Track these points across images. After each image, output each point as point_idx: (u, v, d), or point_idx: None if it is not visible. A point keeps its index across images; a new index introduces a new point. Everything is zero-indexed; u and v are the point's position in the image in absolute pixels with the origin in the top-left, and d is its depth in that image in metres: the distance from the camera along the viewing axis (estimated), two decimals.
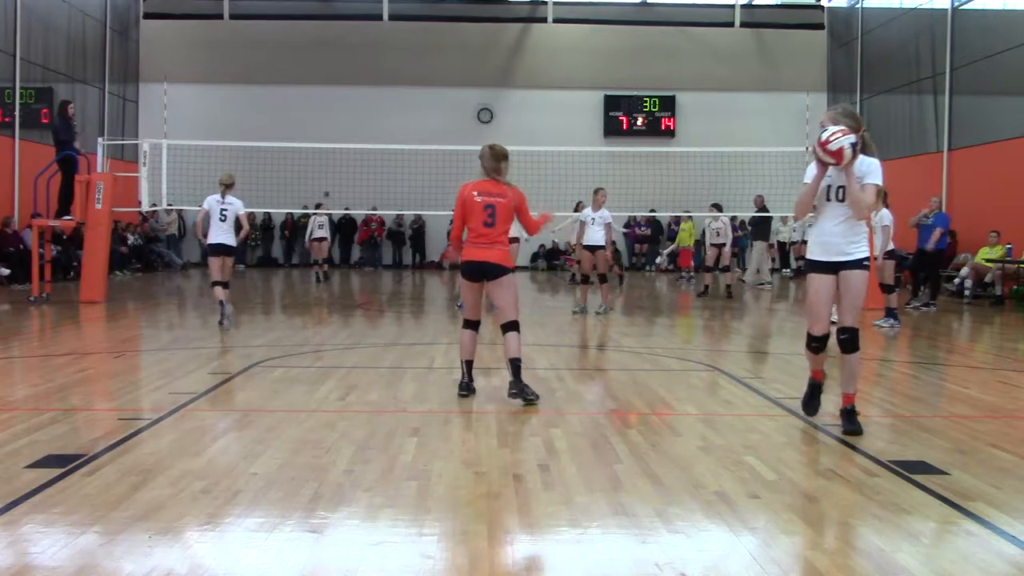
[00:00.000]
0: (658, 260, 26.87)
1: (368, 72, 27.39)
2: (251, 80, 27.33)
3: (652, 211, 24.84)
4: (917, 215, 15.71)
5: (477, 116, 27.93)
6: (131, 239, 24.07)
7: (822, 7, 28.57)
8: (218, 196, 11.60)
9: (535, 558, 3.69)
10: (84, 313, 13.49)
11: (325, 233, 21.67)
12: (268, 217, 27.69)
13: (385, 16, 28.05)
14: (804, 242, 25.50)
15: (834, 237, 5.77)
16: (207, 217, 11.62)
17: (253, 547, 3.71)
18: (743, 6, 28.48)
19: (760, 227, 19.78)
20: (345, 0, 28.33)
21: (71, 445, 5.31)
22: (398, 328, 12.81)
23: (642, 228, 27.88)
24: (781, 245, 26.84)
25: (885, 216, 12.70)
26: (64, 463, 4.83)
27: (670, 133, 27.92)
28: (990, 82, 19.79)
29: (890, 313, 12.58)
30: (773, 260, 26.58)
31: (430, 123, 26.36)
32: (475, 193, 6.82)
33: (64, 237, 19.41)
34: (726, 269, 18.07)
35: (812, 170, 5.86)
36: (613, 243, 15.02)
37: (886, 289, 12.73)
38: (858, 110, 26.09)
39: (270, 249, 28.45)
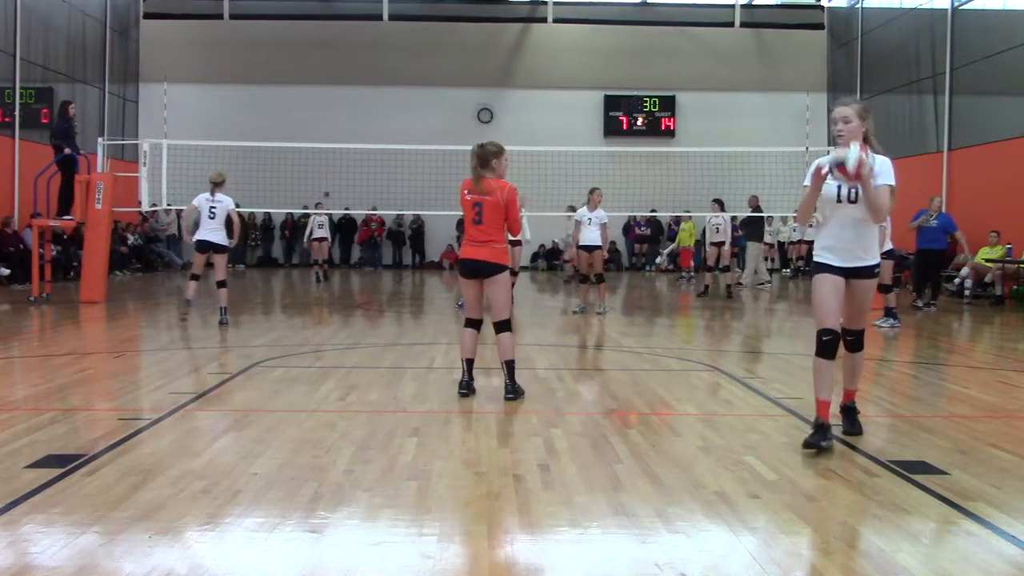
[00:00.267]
0: (658, 260, 26.87)
1: (368, 72, 27.39)
2: (251, 80, 27.33)
3: (652, 211, 24.84)
4: (918, 217, 15.69)
5: (477, 116, 27.93)
6: (131, 239, 24.08)
7: (822, 7, 28.58)
8: (208, 194, 11.70)
9: (535, 558, 3.69)
10: (84, 313, 13.49)
11: (325, 233, 21.68)
12: (268, 217, 27.70)
13: (385, 16, 28.05)
14: (802, 242, 25.59)
15: (844, 242, 5.42)
16: (194, 214, 11.74)
17: (253, 547, 3.71)
18: (743, 6, 28.48)
19: (753, 227, 19.76)
20: (345, 0, 28.33)
21: (71, 445, 5.31)
22: (398, 328, 12.81)
23: (642, 228, 27.89)
24: (781, 245, 26.85)
25: None
26: (64, 463, 4.83)
27: (670, 133, 27.92)
28: (990, 82, 19.79)
29: (889, 313, 12.59)
30: (772, 260, 26.60)
31: (430, 123, 26.36)
32: (466, 192, 6.90)
33: (65, 237, 19.41)
34: (726, 269, 18.07)
35: (805, 183, 5.55)
36: (612, 242, 15.04)
37: (884, 289, 12.73)
38: None
39: (270, 249, 28.45)
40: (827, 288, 5.46)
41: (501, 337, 6.88)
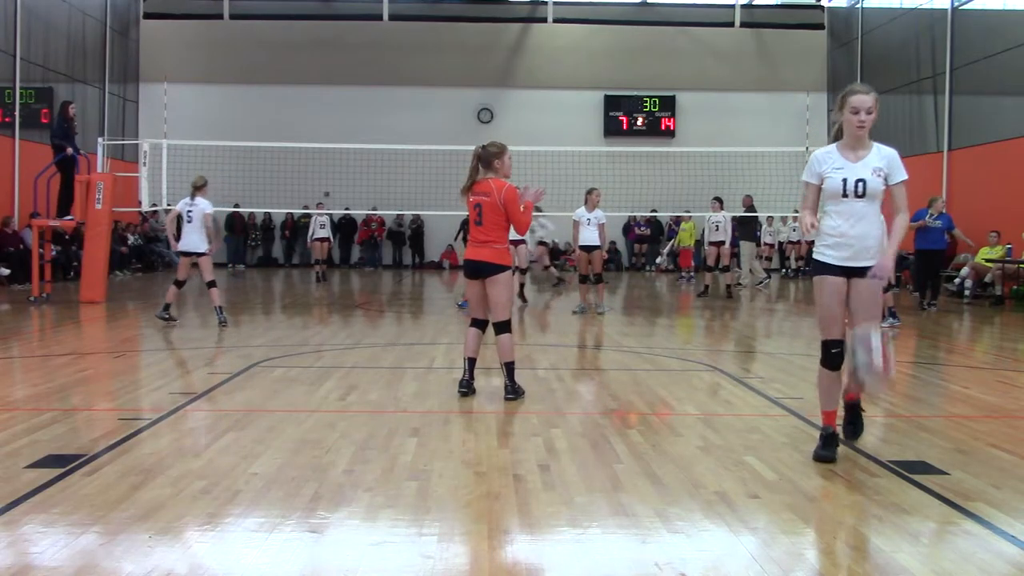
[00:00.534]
0: (658, 260, 26.86)
1: (368, 72, 27.39)
2: (251, 80, 27.33)
3: (653, 211, 24.85)
4: (918, 217, 15.68)
5: (477, 116, 27.93)
6: (131, 239, 24.07)
7: (822, 7, 28.58)
8: (188, 198, 11.76)
9: (535, 558, 3.69)
10: (84, 313, 13.49)
11: (326, 233, 21.72)
12: (268, 217, 27.70)
13: (385, 16, 28.05)
14: (801, 242, 25.57)
15: (849, 239, 5.08)
16: (176, 220, 11.87)
17: (253, 547, 3.71)
18: (743, 6, 28.48)
19: (746, 227, 19.76)
20: (345, 0, 28.33)
21: (71, 445, 5.31)
22: (398, 328, 12.81)
23: (642, 228, 27.89)
24: (780, 245, 26.84)
25: None
26: (64, 463, 4.83)
27: (670, 133, 27.92)
28: (990, 82, 19.79)
29: (890, 312, 12.59)
30: (770, 260, 26.59)
31: (430, 123, 26.37)
32: (470, 193, 6.87)
33: (66, 237, 19.42)
34: (726, 269, 18.06)
35: (812, 171, 5.23)
36: (612, 242, 15.03)
37: (883, 288, 12.72)
38: None
39: (270, 249, 28.46)
40: (829, 294, 5.16)
41: (501, 338, 6.88)
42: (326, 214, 21.60)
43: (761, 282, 20.17)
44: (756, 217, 20.47)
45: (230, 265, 27.61)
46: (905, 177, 5.08)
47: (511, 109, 27.68)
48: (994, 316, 15.02)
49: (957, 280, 17.98)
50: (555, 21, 28.27)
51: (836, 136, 5.28)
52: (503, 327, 6.86)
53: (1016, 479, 4.86)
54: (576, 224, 14.04)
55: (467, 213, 7.07)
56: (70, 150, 15.12)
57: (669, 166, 24.23)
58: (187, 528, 3.90)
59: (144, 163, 16.46)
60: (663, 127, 28.06)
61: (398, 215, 26.99)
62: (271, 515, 4.09)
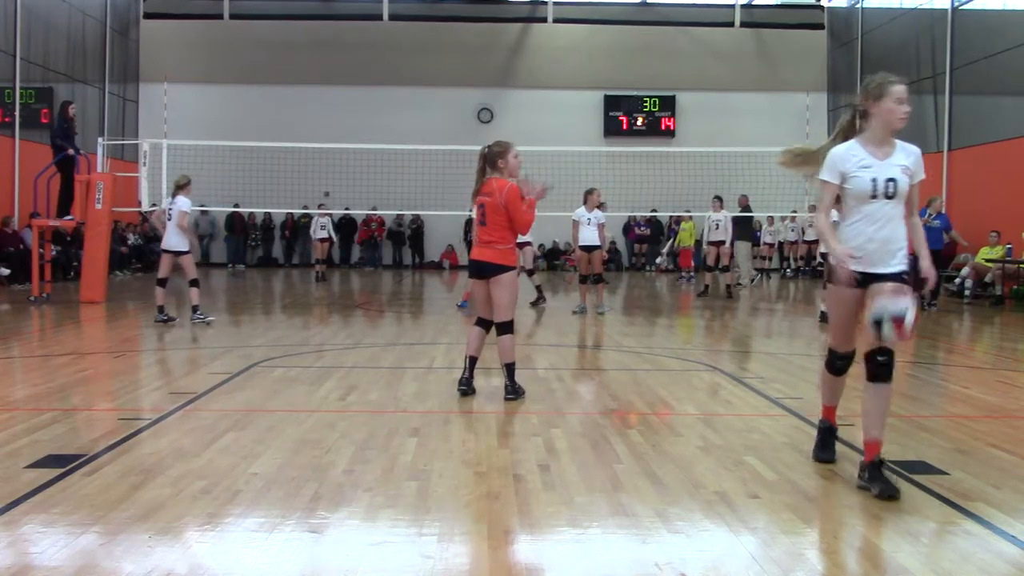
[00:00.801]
0: (658, 260, 26.87)
1: (368, 72, 27.40)
2: (251, 80, 27.34)
3: (653, 211, 24.84)
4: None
5: (477, 116, 27.93)
6: (131, 239, 24.08)
7: (822, 7, 28.58)
8: (170, 197, 11.89)
9: (535, 558, 3.69)
10: (84, 313, 13.49)
11: (327, 234, 21.75)
12: (268, 217, 27.70)
13: (385, 16, 28.06)
14: (800, 242, 25.58)
15: (875, 243, 4.59)
16: (164, 218, 12.01)
17: (253, 547, 3.71)
18: (743, 6, 28.49)
19: (742, 227, 19.76)
20: (345, 0, 28.33)
21: (71, 445, 5.31)
22: (398, 328, 12.81)
23: (642, 228, 27.88)
24: (780, 245, 26.84)
25: None
26: (64, 463, 4.83)
27: (670, 133, 27.93)
28: (990, 82, 19.79)
29: None
30: (769, 260, 26.60)
31: (430, 123, 26.37)
32: (477, 193, 6.87)
33: (68, 238, 19.43)
34: (726, 269, 18.05)
35: (834, 169, 4.69)
36: (612, 242, 15.01)
37: None
38: None
39: (270, 249, 28.46)
40: (846, 305, 4.74)
41: (502, 339, 6.86)
42: (327, 214, 21.61)
43: (752, 280, 20.13)
44: (752, 217, 20.47)
45: (230, 265, 27.61)
46: (924, 177, 4.81)
47: (511, 109, 27.68)
48: (994, 316, 15.02)
49: (957, 280, 17.97)
50: (555, 21, 28.27)
51: (848, 130, 4.85)
52: (505, 328, 6.85)
53: (1016, 479, 4.86)
54: (576, 224, 14.04)
55: (468, 214, 7.09)
56: (71, 150, 15.13)
57: (669, 166, 24.22)
58: (187, 528, 3.90)
59: (144, 163, 16.45)
60: (663, 127, 28.07)
61: (398, 215, 26.99)
62: (271, 515, 4.09)
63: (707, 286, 18.23)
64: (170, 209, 11.81)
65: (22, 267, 17.60)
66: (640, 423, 6.17)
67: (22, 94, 21.12)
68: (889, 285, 4.49)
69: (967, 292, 17.35)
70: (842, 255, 4.50)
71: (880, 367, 4.58)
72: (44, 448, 5.18)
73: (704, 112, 27.55)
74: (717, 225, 17.80)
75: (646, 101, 28.11)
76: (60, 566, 3.45)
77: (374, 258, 28.00)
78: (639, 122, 28.14)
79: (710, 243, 17.97)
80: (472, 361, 7.00)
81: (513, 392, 6.80)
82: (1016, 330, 13.27)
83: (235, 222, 27.44)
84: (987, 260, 17.37)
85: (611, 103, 28.06)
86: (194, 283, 11.85)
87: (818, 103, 26.26)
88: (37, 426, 5.75)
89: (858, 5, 26.76)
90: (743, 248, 19.92)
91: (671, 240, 25.06)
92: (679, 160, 24.33)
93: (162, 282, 11.87)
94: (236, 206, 23.65)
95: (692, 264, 23.60)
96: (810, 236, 24.69)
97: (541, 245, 27.73)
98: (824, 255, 12.83)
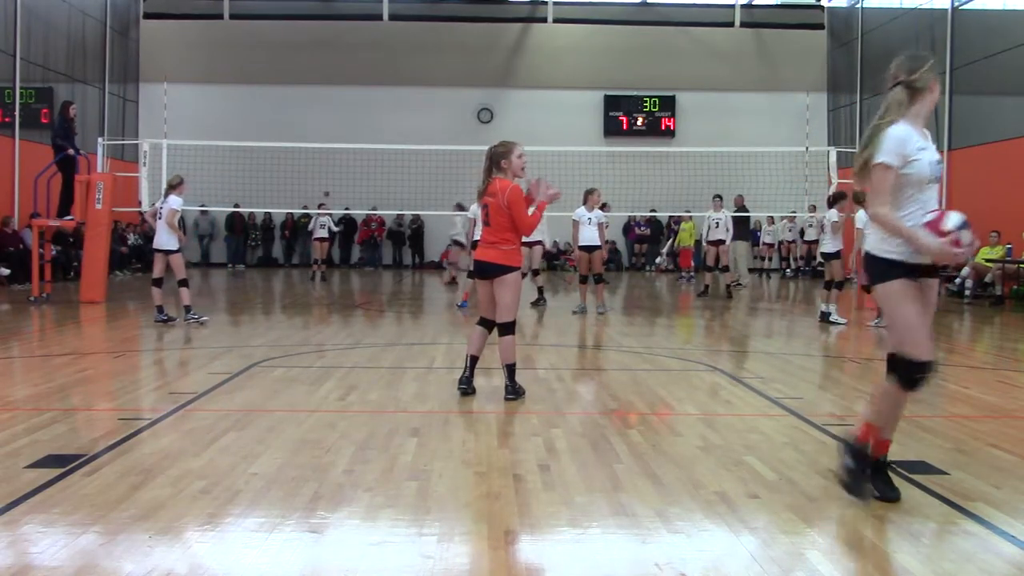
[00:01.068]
0: (658, 260, 26.88)
1: (368, 72, 27.40)
2: (251, 80, 27.34)
3: (652, 211, 24.84)
4: None
5: (477, 116, 27.94)
6: (131, 239, 24.08)
7: (822, 7, 28.58)
8: (163, 196, 11.94)
9: (535, 558, 3.69)
10: (84, 313, 13.49)
11: (326, 233, 21.77)
12: (268, 217, 27.71)
13: (385, 16, 28.06)
14: (797, 242, 25.58)
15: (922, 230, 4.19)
16: (153, 217, 12.11)
17: (253, 547, 3.71)
18: (743, 6, 28.49)
19: (740, 227, 19.77)
20: (345, 0, 28.33)
21: (71, 445, 5.31)
22: (398, 328, 12.81)
23: (642, 228, 27.89)
24: (780, 245, 26.85)
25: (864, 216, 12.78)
26: (64, 463, 4.83)
27: (670, 133, 27.94)
28: (990, 82, 19.79)
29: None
30: (769, 260, 26.61)
31: (430, 123, 26.38)
32: (482, 193, 6.87)
33: (70, 240, 19.44)
34: (726, 269, 18.06)
35: (897, 151, 4.16)
36: (611, 242, 14.98)
37: (867, 289, 12.73)
38: (858, 110, 26.26)
39: (270, 249, 28.46)
40: (913, 300, 4.24)
41: (503, 340, 6.84)
42: (327, 214, 21.62)
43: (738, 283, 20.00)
44: (748, 217, 20.49)
45: (230, 265, 27.62)
46: None
47: (511, 109, 27.68)
48: (994, 316, 15.02)
49: (957, 280, 17.97)
50: (555, 21, 28.27)
51: (904, 109, 4.27)
52: (507, 328, 6.83)
53: (1016, 479, 4.86)
54: (576, 224, 14.04)
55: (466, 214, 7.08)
56: (71, 150, 15.13)
57: (669, 166, 24.23)
58: (187, 528, 3.90)
59: (144, 163, 16.46)
60: (663, 127, 28.08)
61: (398, 215, 26.99)
62: (271, 515, 4.09)
63: (707, 286, 18.23)
64: (161, 208, 11.85)
65: (22, 267, 17.61)
66: (640, 423, 6.17)
67: (22, 94, 21.12)
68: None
69: (967, 292, 17.35)
70: (946, 248, 4.07)
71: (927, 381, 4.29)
72: (44, 448, 5.18)
73: (704, 112, 27.56)
74: (717, 224, 17.79)
75: (646, 101, 28.11)
76: (60, 566, 3.45)
77: (374, 258, 28.00)
78: (639, 122, 28.15)
79: (709, 242, 17.97)
80: (473, 360, 6.99)
81: (513, 392, 6.80)
82: (1016, 330, 13.28)
83: (235, 222, 27.45)
84: (987, 260, 17.37)
85: (611, 103, 28.06)
86: (183, 283, 11.83)
87: (818, 103, 26.26)
88: (37, 426, 5.75)
89: (858, 5, 26.76)
90: (740, 248, 19.93)
91: (671, 240, 25.07)
92: (679, 160, 24.34)
93: (158, 282, 11.88)
94: (236, 206, 23.66)
95: (692, 264, 23.61)
96: (810, 236, 24.69)
97: (555, 243, 27.69)
98: (828, 255, 12.88)
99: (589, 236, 13.88)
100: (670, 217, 26.21)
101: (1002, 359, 10.25)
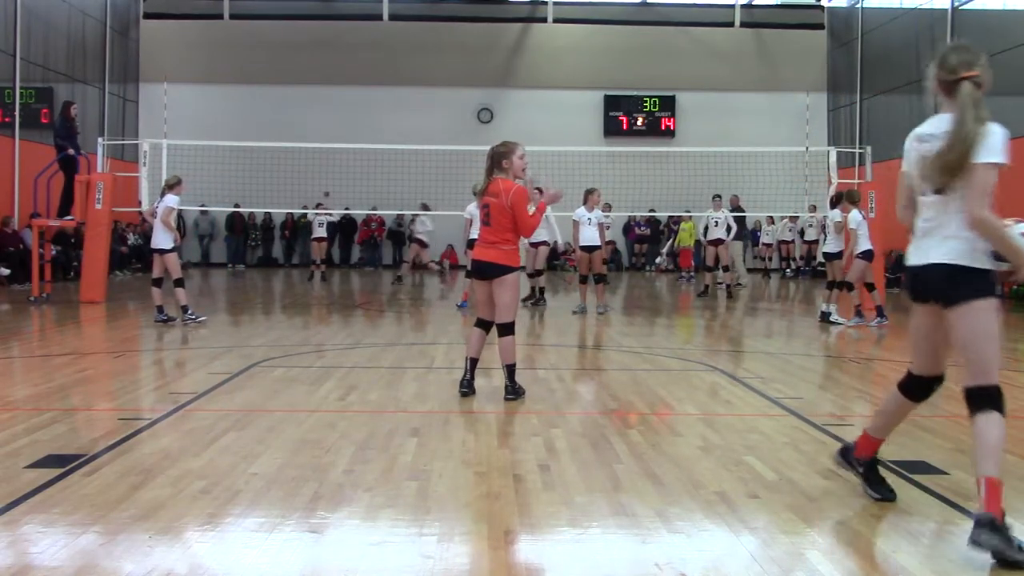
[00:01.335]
0: (658, 260, 26.87)
1: (368, 72, 27.39)
2: (251, 80, 27.33)
3: (651, 211, 24.84)
4: None
5: (477, 116, 27.93)
6: (131, 239, 24.08)
7: (822, 7, 28.58)
8: (160, 197, 12.01)
9: (535, 558, 3.69)
10: (84, 313, 13.49)
11: (324, 232, 21.80)
12: (268, 217, 27.70)
13: (385, 16, 28.05)
14: (795, 241, 25.56)
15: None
16: (149, 217, 12.28)
17: (253, 547, 3.71)
18: (743, 6, 28.48)
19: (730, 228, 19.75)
20: (345, 0, 28.33)
21: (71, 445, 5.31)
22: (398, 328, 12.81)
23: (642, 228, 27.88)
24: (779, 245, 26.84)
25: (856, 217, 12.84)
26: (64, 463, 4.83)
27: (670, 133, 27.93)
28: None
29: (857, 311, 12.66)
30: (768, 260, 26.60)
31: (430, 123, 26.36)
32: (483, 193, 6.85)
33: (72, 240, 19.44)
34: (726, 268, 18.06)
35: (1007, 148, 4.18)
36: (611, 242, 14.99)
37: (849, 287, 12.69)
38: (858, 110, 26.26)
39: (270, 249, 28.45)
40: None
41: (503, 340, 6.83)
42: (325, 214, 21.64)
43: (720, 282, 19.91)
44: (744, 217, 20.50)
45: (230, 265, 27.62)
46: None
47: (511, 109, 27.67)
48: None
49: None
50: (555, 21, 28.26)
51: (974, 109, 4.22)
52: (506, 329, 6.82)
53: (1016, 479, 4.85)
54: (576, 224, 14.05)
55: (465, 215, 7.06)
56: (71, 150, 15.12)
57: (669, 166, 24.22)
58: (187, 528, 3.90)
59: (144, 163, 16.45)
60: (663, 127, 28.07)
61: (398, 215, 26.98)
62: (271, 515, 4.09)
63: (707, 286, 18.23)
64: (156, 207, 11.86)
65: (22, 267, 17.61)
66: (640, 423, 6.17)
67: (22, 94, 21.12)
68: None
69: None
70: None
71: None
72: (44, 448, 5.18)
73: (704, 112, 27.54)
74: (716, 223, 17.79)
75: (646, 101, 28.11)
76: (60, 566, 3.45)
77: (374, 258, 27.99)
78: (639, 122, 28.14)
79: (709, 242, 17.97)
80: (473, 363, 6.98)
81: (513, 392, 6.80)
82: (1016, 330, 13.27)
83: (235, 222, 27.44)
84: None
85: (611, 103, 28.05)
86: (179, 283, 11.81)
87: (818, 103, 26.24)
88: (37, 426, 5.75)
89: (858, 5, 26.76)
90: (735, 248, 19.93)
91: (671, 240, 25.06)
92: (679, 160, 24.33)
93: (157, 282, 11.87)
94: (236, 206, 23.65)
95: (692, 264, 23.60)
96: (810, 236, 24.69)
97: (568, 243, 27.62)
98: (830, 255, 12.87)
99: (589, 236, 13.89)
100: (669, 217, 26.21)
101: (1002, 359, 10.24)
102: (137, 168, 17.20)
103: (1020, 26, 19.09)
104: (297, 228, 27.35)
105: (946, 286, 3.96)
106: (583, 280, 14.18)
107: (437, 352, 9.50)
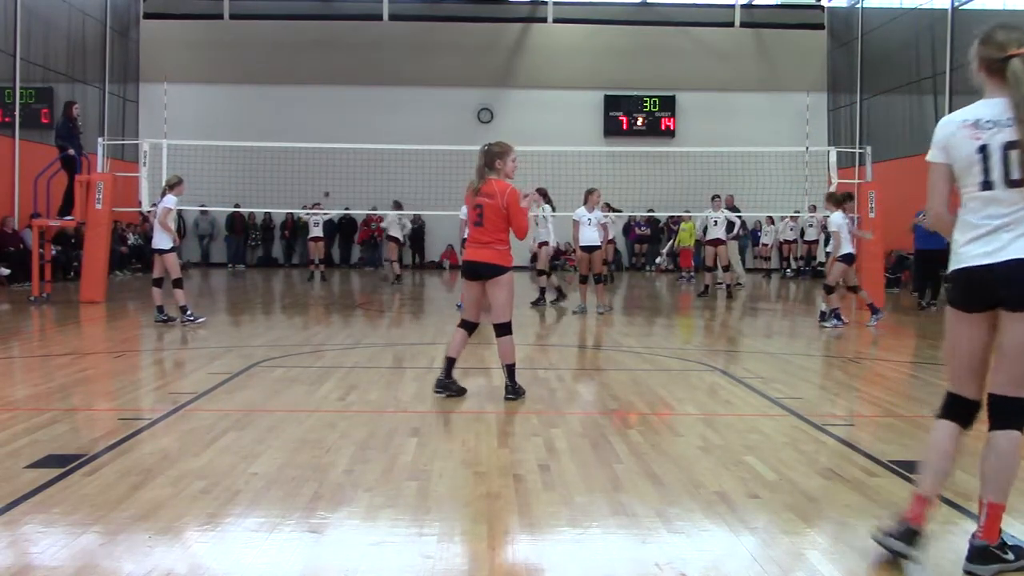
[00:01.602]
0: (658, 260, 26.87)
1: (368, 72, 27.39)
2: (251, 80, 27.33)
3: (650, 211, 24.84)
4: (917, 216, 15.68)
5: (477, 116, 27.93)
6: (131, 239, 24.08)
7: (822, 7, 28.58)
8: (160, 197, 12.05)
9: (535, 558, 3.69)
10: (84, 313, 13.49)
11: (320, 232, 21.85)
12: (268, 217, 27.70)
13: (385, 16, 28.05)
14: (798, 242, 25.56)
15: None
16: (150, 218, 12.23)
17: (253, 547, 3.71)
18: (743, 6, 28.48)
19: (732, 227, 19.73)
20: (345, 0, 28.33)
21: (71, 445, 5.31)
22: (398, 328, 12.81)
23: (642, 228, 27.88)
24: (779, 244, 26.84)
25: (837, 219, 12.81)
26: (64, 463, 4.83)
27: (670, 133, 27.92)
28: None
29: (836, 314, 12.46)
30: (768, 259, 26.60)
31: (430, 123, 26.35)
32: (473, 193, 6.82)
33: (72, 240, 19.43)
34: (726, 268, 18.06)
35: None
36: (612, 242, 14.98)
37: (829, 290, 12.61)
38: (858, 110, 26.26)
39: (270, 249, 28.46)
40: None
41: (500, 341, 6.81)
42: (320, 214, 21.69)
43: (719, 282, 19.91)
44: (739, 217, 20.52)
45: (230, 265, 27.62)
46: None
47: (511, 109, 27.67)
48: None
49: None
50: (555, 21, 28.26)
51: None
52: (503, 329, 6.79)
53: (1016, 479, 4.85)
54: (576, 224, 14.05)
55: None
56: (71, 150, 15.11)
57: (669, 166, 24.22)
58: (187, 528, 3.90)
59: (144, 163, 16.44)
60: (663, 127, 28.06)
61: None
62: (271, 515, 4.09)
63: (707, 286, 18.23)
64: (155, 207, 11.89)
65: (22, 267, 17.60)
66: (640, 423, 6.17)
67: (22, 94, 21.11)
68: None
69: None
70: None
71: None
72: (44, 448, 5.18)
73: (704, 112, 27.54)
74: (715, 222, 17.81)
75: (646, 101, 28.10)
76: (60, 566, 3.45)
77: (374, 258, 27.98)
78: (639, 122, 28.13)
79: (708, 242, 17.98)
80: (449, 362, 6.88)
81: (513, 392, 6.79)
82: None
83: (235, 222, 27.44)
84: None
85: (611, 103, 28.04)
86: (177, 283, 11.78)
87: (818, 103, 26.22)
88: (37, 426, 5.75)
89: (858, 5, 26.76)
90: (732, 248, 19.94)
91: (671, 240, 25.06)
92: (679, 160, 24.32)
93: (158, 282, 11.87)
94: (236, 206, 23.64)
95: (692, 264, 23.61)
96: (810, 236, 24.69)
97: (568, 243, 27.61)
98: (838, 256, 12.81)
99: (589, 236, 13.89)
100: (669, 217, 26.21)
101: None
102: (137, 168, 17.20)
103: (1020, 26, 19.05)
104: (297, 228, 27.33)
105: None
106: (583, 280, 14.18)
107: (437, 352, 9.47)
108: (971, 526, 3.99)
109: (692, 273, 23.18)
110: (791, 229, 25.81)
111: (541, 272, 15.29)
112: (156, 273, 11.90)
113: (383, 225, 21.20)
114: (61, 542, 3.69)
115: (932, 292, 15.59)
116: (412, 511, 4.16)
